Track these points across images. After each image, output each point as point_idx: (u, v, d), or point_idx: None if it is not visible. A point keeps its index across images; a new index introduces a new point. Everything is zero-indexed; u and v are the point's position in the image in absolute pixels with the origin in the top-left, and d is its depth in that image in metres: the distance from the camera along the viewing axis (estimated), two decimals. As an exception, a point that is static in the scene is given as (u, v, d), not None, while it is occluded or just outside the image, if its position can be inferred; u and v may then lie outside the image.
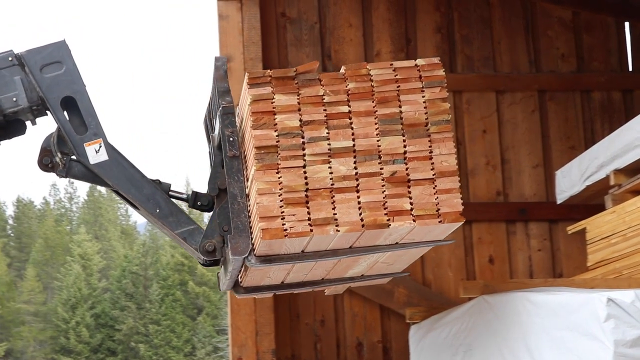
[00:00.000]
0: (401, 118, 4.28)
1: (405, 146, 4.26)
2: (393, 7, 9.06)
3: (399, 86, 4.32)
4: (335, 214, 4.16)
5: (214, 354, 51.48)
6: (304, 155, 4.22)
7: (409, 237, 4.39)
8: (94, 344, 54.63)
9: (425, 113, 4.30)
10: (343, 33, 9.03)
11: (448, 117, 4.30)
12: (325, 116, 4.27)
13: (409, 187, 4.22)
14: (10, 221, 68.83)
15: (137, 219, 66.21)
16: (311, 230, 4.14)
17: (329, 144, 4.23)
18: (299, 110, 4.27)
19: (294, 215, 4.14)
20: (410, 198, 4.20)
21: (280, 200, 4.15)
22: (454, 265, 8.69)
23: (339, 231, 4.15)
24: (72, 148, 4.85)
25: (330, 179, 4.20)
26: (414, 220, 4.19)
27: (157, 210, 4.79)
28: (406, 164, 4.24)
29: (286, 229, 4.13)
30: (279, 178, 4.17)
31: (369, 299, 8.58)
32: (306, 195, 4.17)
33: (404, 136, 4.27)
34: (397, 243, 4.46)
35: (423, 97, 4.32)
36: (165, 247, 56.42)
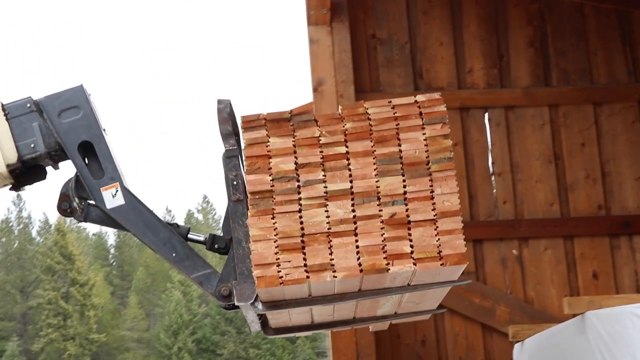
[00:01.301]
0: (401, 157, 4.12)
1: (405, 186, 4.10)
2: (484, 24, 8.99)
3: (398, 124, 4.16)
4: (332, 259, 4.02)
5: (313, 377, 51.62)
6: (299, 199, 4.09)
7: (417, 279, 4.23)
8: (196, 369, 55.36)
9: (426, 151, 4.13)
10: (434, 52, 9.02)
11: (450, 155, 4.12)
12: (321, 158, 4.14)
13: (409, 229, 4.05)
14: (112, 250, 70.47)
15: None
16: (307, 277, 4.01)
17: (325, 187, 4.10)
18: (295, 152, 4.15)
19: (289, 262, 4.01)
20: (411, 240, 4.03)
21: (276, 247, 4.03)
22: (557, 282, 8.56)
23: (336, 277, 4.01)
24: (89, 193, 4.85)
25: (327, 222, 4.06)
26: (415, 264, 4.02)
27: (174, 255, 4.74)
28: (406, 205, 4.08)
29: (282, 276, 4.01)
30: (274, 224, 4.06)
31: (470, 317, 8.52)
32: (302, 241, 4.04)
33: (403, 176, 4.11)
34: (408, 284, 4.29)
35: (424, 134, 4.15)
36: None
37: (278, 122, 4.19)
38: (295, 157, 4.14)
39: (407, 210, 4.07)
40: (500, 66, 8.95)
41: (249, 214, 4.11)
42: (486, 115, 9.07)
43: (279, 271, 4.01)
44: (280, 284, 4.01)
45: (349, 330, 8.02)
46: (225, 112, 4.57)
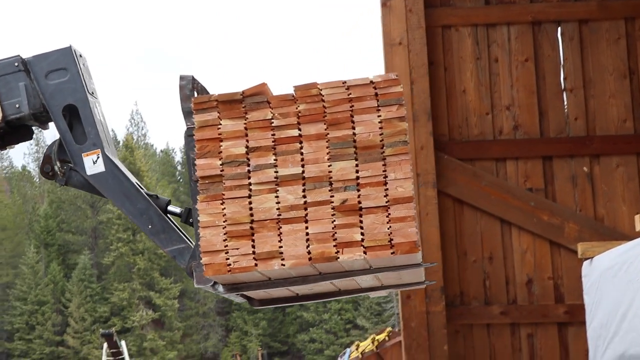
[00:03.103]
0: (354, 141, 3.99)
1: (357, 171, 3.97)
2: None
3: (352, 106, 4.02)
4: (281, 246, 3.94)
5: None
6: (249, 184, 4.00)
7: (375, 263, 4.12)
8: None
9: (381, 134, 3.99)
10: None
11: (405, 138, 3.97)
12: (273, 141, 4.03)
13: (360, 215, 3.94)
14: (179, 167, 71.33)
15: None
16: (256, 265, 3.95)
17: (276, 172, 4.00)
18: (246, 135, 4.05)
19: (237, 249, 3.95)
20: (362, 228, 3.93)
21: (224, 234, 3.97)
22: (628, 199, 8.51)
23: (284, 265, 3.94)
24: (70, 157, 4.82)
25: (277, 209, 3.97)
26: (365, 252, 3.92)
27: (150, 227, 4.69)
28: (358, 191, 3.96)
29: (230, 264, 3.95)
30: (223, 209, 3.99)
31: (538, 234, 8.53)
32: (251, 228, 3.97)
33: (357, 160, 3.98)
34: (370, 267, 4.20)
35: (379, 116, 4.01)
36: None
37: (230, 104, 4.08)
38: (247, 141, 4.04)
39: (359, 197, 3.95)
40: None
41: (197, 199, 4.04)
42: (559, 29, 8.83)
43: (227, 259, 3.96)
44: (228, 271, 3.95)
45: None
46: (187, 89, 4.45)
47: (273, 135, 4.04)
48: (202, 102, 4.10)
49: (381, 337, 22.49)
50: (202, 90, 4.56)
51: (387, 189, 3.95)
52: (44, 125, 5.04)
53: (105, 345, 27.62)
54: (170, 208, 4.72)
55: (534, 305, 8.59)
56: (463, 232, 8.66)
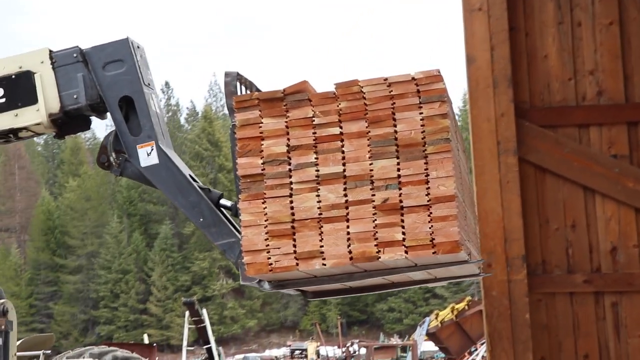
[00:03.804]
0: (396, 138, 3.94)
1: (399, 169, 3.92)
2: None
3: (394, 103, 3.96)
4: (322, 246, 3.93)
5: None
6: (290, 183, 4.00)
7: (420, 261, 4.08)
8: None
9: (423, 132, 3.92)
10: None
11: (447, 136, 3.90)
12: (314, 140, 4.00)
13: (402, 214, 3.89)
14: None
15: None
16: (297, 264, 3.95)
17: (317, 170, 3.98)
18: (287, 134, 4.03)
19: (279, 248, 3.96)
20: (403, 227, 3.88)
21: (266, 233, 3.98)
22: None
23: (325, 265, 3.93)
24: (125, 149, 4.89)
25: (318, 208, 3.96)
26: (406, 252, 3.88)
27: (201, 220, 4.74)
28: (400, 189, 3.91)
29: (271, 263, 3.97)
30: (264, 209, 4.00)
31: (622, 201, 8.36)
32: (292, 227, 3.97)
33: (398, 158, 3.93)
34: (415, 265, 4.15)
35: (420, 114, 3.94)
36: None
37: (271, 102, 4.07)
38: (288, 139, 4.03)
39: (400, 195, 3.91)
40: None
41: (239, 197, 4.06)
42: (647, -10, 8.51)
43: (268, 258, 3.97)
44: (270, 271, 3.97)
45: (497, 215, 8.01)
46: (232, 86, 4.45)
47: (314, 133, 4.01)
48: (243, 100, 4.10)
49: (460, 306, 22.40)
50: (250, 86, 4.55)
51: (428, 188, 3.89)
52: (101, 115, 5.12)
53: (187, 313, 28.19)
54: (222, 202, 4.74)
55: (618, 273, 8.38)
56: (545, 200, 8.48)
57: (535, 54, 8.60)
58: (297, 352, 54.94)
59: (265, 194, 4.01)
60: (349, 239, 3.92)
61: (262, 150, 4.03)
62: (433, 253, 3.85)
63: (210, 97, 78.85)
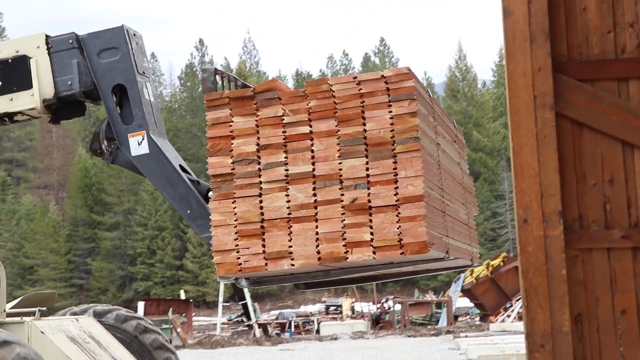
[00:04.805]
0: (365, 137, 3.90)
1: (368, 169, 3.89)
2: None
3: (363, 101, 3.92)
4: (290, 246, 3.93)
5: (492, 219, 51.13)
6: (260, 182, 3.99)
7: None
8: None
9: (392, 131, 3.88)
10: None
11: (417, 135, 3.86)
12: (284, 138, 3.98)
13: (370, 214, 3.88)
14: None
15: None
16: (266, 265, 3.96)
17: (286, 170, 3.97)
18: (257, 133, 4.01)
19: (248, 248, 3.97)
20: (371, 227, 3.87)
21: (235, 233, 3.98)
22: None
23: (293, 265, 3.93)
24: (116, 137, 4.92)
25: (287, 207, 3.95)
26: (374, 252, 3.86)
27: (188, 212, 4.77)
28: (369, 189, 3.89)
29: (241, 264, 3.97)
30: (234, 208, 3.99)
31: None
32: (262, 227, 3.97)
33: (367, 157, 3.90)
34: (392, 262, 4.13)
35: (390, 112, 3.90)
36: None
37: (242, 100, 4.05)
38: (258, 138, 4.01)
39: (368, 195, 3.88)
40: None
41: (209, 196, 4.06)
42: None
43: (238, 258, 3.98)
44: (239, 271, 3.98)
45: (533, 170, 8.02)
46: (210, 82, 4.43)
47: (284, 132, 3.99)
48: (214, 99, 4.08)
49: (496, 262, 22.28)
50: (235, 81, 4.53)
51: (397, 187, 3.86)
52: (96, 102, 5.14)
53: (223, 269, 28.26)
54: (211, 194, 4.75)
55: (657, 228, 8.26)
56: (582, 154, 8.33)
57: (573, 7, 8.42)
58: (332, 308, 55.23)
59: (235, 193, 4.00)
60: (317, 239, 3.91)
61: (232, 150, 4.01)
62: (401, 254, 3.83)
63: (244, 54, 78.70)
